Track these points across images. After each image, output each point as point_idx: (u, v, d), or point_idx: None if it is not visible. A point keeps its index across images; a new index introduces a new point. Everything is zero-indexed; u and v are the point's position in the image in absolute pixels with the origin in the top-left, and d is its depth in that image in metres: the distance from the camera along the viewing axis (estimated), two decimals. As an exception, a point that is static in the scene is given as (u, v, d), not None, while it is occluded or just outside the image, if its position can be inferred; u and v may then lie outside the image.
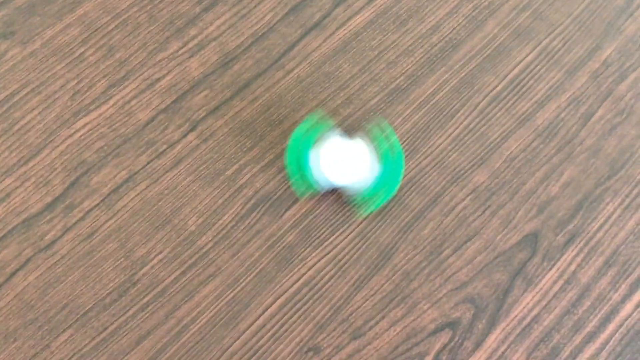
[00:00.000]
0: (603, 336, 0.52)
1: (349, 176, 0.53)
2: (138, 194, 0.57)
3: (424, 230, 0.56)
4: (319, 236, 0.55)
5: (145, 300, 0.53)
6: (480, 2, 0.66)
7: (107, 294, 0.53)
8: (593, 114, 0.61)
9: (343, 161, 0.53)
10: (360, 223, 0.56)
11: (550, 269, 0.54)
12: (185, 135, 0.59)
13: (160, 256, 0.54)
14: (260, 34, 0.64)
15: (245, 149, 0.59)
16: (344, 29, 0.65)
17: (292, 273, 0.54)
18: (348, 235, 0.56)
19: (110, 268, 0.54)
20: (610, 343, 0.52)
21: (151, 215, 0.56)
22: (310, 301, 0.53)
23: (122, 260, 0.54)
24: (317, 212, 0.56)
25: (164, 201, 0.56)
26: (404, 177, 0.58)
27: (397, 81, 0.62)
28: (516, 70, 0.63)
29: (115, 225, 0.55)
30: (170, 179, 0.57)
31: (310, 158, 0.54)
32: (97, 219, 0.56)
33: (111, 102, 0.61)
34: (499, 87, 0.62)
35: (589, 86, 0.62)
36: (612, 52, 0.63)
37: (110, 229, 0.55)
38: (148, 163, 0.58)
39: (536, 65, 0.63)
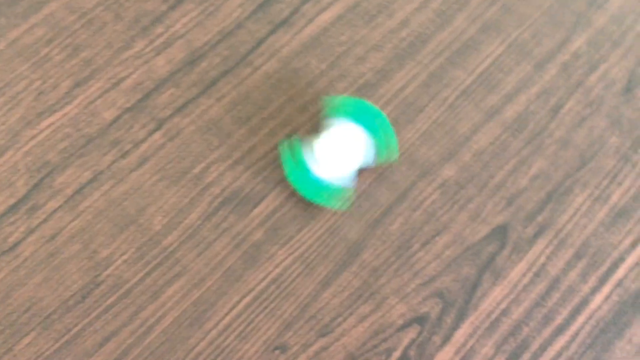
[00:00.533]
0: (573, 328, 0.52)
1: (345, 167, 0.53)
2: (102, 194, 0.56)
3: (392, 226, 0.55)
4: (287, 233, 0.55)
5: (109, 301, 0.52)
6: (448, -4, 0.65)
7: (71, 296, 0.52)
8: (562, 106, 0.60)
9: (340, 153, 0.52)
10: (328, 219, 0.55)
11: (519, 261, 0.54)
12: (151, 134, 0.58)
13: (124, 257, 0.54)
14: (227, 31, 0.64)
15: (212, 147, 0.58)
16: (313, 25, 0.64)
17: (259, 271, 0.54)
18: (316, 232, 0.55)
19: (74, 269, 0.53)
20: (580, 335, 0.51)
21: (116, 216, 0.55)
22: (278, 299, 0.53)
23: (86, 261, 0.53)
24: (285, 209, 0.56)
25: (129, 201, 0.56)
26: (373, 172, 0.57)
27: (366, 76, 0.62)
28: (485, 64, 0.62)
29: (79, 226, 0.55)
30: (135, 179, 0.57)
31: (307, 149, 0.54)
32: (61, 220, 0.55)
33: (76, 101, 0.60)
34: (468, 81, 0.61)
35: (558, 78, 0.62)
36: (582, 44, 0.63)
37: (74, 230, 0.54)
38: (113, 163, 0.57)
39: (505, 59, 0.62)
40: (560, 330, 0.51)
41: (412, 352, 0.51)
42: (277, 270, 0.54)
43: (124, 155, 0.57)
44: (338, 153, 0.52)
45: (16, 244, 0.54)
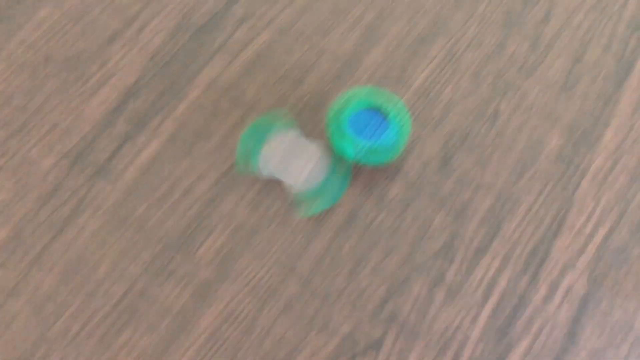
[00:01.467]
0: (524, 343, 0.52)
1: (294, 175, 0.52)
2: (44, 247, 0.55)
3: (342, 250, 0.55)
4: (236, 269, 0.54)
5: (58, 357, 0.51)
6: (381, 11, 0.65)
7: (19, 356, 0.51)
8: (499, 113, 0.60)
9: (292, 159, 0.52)
10: (276, 251, 0.55)
11: (470, 275, 0.53)
12: (89, 180, 0.57)
13: (71, 309, 0.52)
14: (161, 64, 0.63)
15: (153, 188, 0.57)
16: (248, 50, 0.63)
17: (210, 310, 0.53)
18: (265, 264, 0.54)
19: (22, 328, 0.52)
20: (534, 348, 0.51)
21: (59, 268, 0.54)
22: (231, 338, 0.52)
23: (32, 317, 0.52)
24: (232, 244, 0.55)
25: (71, 252, 0.55)
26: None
27: (305, 99, 0.61)
28: (421, 78, 0.62)
29: (23, 282, 0.53)
30: (76, 228, 0.55)
31: (262, 148, 0.53)
32: (5, 278, 0.54)
33: (11, 152, 0.59)
34: (406, 96, 0.61)
35: (494, 86, 0.61)
36: (518, 47, 0.63)
37: (19, 287, 0.53)
38: (52, 213, 0.56)
39: (441, 71, 0.62)
40: (510, 346, 0.51)
41: (369, 379, 0.50)
42: (229, 308, 0.53)
43: (63, 204, 0.56)
44: (295, 161, 0.52)
45: (-41, 307, 0.53)
